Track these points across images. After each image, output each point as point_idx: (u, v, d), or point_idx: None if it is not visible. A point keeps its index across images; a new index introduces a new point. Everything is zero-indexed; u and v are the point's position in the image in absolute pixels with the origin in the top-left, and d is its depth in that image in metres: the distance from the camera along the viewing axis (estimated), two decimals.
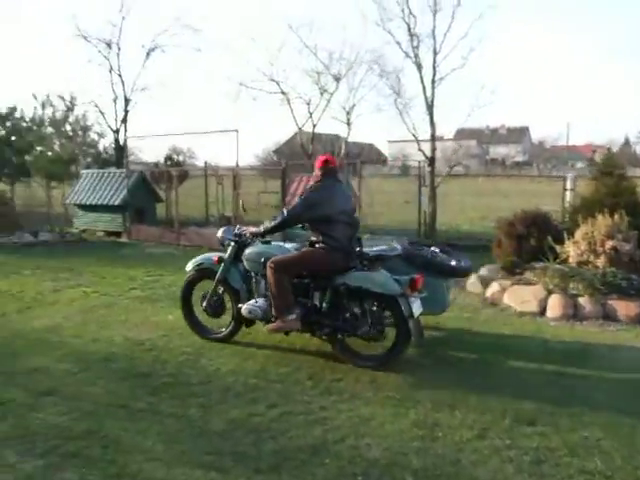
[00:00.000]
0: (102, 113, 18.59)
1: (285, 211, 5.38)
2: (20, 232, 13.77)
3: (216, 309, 6.03)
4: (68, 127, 19.02)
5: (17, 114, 21.59)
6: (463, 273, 6.26)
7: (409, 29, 13.54)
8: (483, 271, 8.93)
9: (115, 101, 18.72)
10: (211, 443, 3.95)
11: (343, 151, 16.48)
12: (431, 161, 13.41)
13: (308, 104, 16.21)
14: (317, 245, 5.26)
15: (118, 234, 13.93)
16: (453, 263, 5.85)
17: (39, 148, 18.72)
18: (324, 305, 5.29)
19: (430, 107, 13.46)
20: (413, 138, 14.03)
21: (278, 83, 16.10)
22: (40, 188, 18.88)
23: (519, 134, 79.89)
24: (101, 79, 24.70)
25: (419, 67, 13.55)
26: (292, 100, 16.12)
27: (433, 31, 13.37)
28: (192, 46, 19.77)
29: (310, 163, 15.59)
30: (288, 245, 5.78)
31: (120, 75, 18.91)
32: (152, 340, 6.15)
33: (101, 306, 7.68)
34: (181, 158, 21.93)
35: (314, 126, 16.43)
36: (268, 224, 5.47)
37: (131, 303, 7.85)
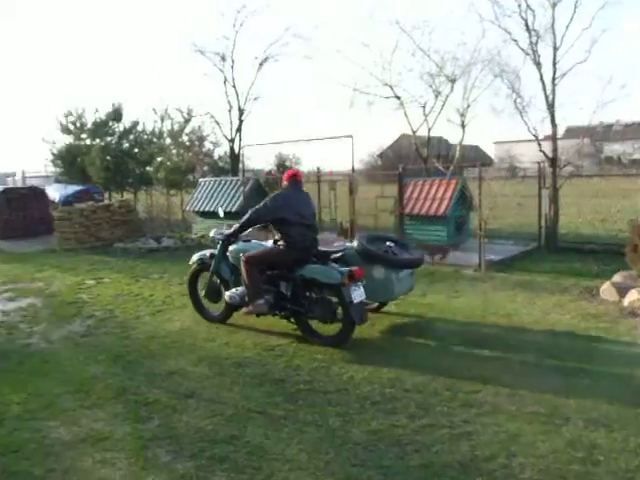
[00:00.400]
0: (218, 123, 19.23)
1: (250, 212, 6.43)
2: (144, 238, 14.47)
3: (213, 295, 7.15)
4: (185, 138, 19.80)
5: (139, 127, 22.89)
6: (414, 265, 6.98)
7: (527, 25, 12.96)
8: (617, 278, 8.32)
9: (230, 111, 19.31)
10: (355, 454, 3.87)
11: (458, 154, 16.03)
12: (553, 162, 12.76)
13: (423, 107, 15.92)
14: (278, 243, 6.38)
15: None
16: (405, 256, 6.80)
17: (159, 159, 19.63)
18: (288, 293, 6.31)
19: (551, 106, 12.81)
20: (520, 139, 13.41)
21: (392, 87, 15.91)
22: (161, 196, 19.84)
23: (637, 130, 74.87)
24: (216, 91, 25.62)
25: (538, 65, 12.94)
26: (407, 104, 15.87)
27: (552, 25, 12.72)
28: (303, 54, 19.76)
29: (424, 167, 15.36)
30: (265, 243, 6.88)
31: (234, 86, 19.49)
32: (282, 346, 6.18)
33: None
34: (291, 165, 22.25)
35: (429, 130, 16.11)
36: (237, 225, 6.60)
37: None
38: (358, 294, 5.92)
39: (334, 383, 5.12)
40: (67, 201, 18.93)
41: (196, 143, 18.81)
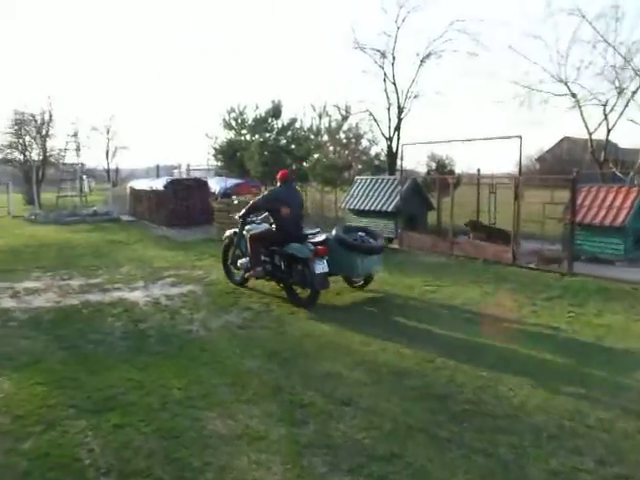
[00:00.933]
0: (376, 121, 19.03)
1: (251, 202, 8.75)
2: None
3: (236, 263, 9.07)
4: (342, 135, 19.86)
5: (297, 124, 23.40)
6: (375, 251, 8.52)
7: None
8: None
9: (389, 109, 19.04)
10: None
11: None
12: None
13: (604, 106, 14.58)
14: (272, 226, 8.51)
15: (389, 240, 14.03)
16: (372, 244, 8.56)
17: (316, 155, 19.87)
18: (280, 264, 8.22)
19: None
20: None
21: (567, 84, 14.75)
22: (315, 192, 20.08)
23: None
24: (375, 88, 25.43)
25: None
26: (584, 102, 14.63)
27: None
28: (467, 51, 18.89)
29: (599, 173, 14.06)
30: (266, 225, 8.78)
31: (394, 83, 19.18)
32: (442, 358, 5.77)
33: None
34: (450, 166, 21.55)
35: (608, 131, 14.76)
36: (243, 210, 8.74)
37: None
38: (321, 267, 7.78)
39: (503, 407, 4.64)
40: (226, 193, 19.80)
41: (353, 141, 18.75)
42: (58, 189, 29.16)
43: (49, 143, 34.39)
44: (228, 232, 9.54)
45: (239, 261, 8.94)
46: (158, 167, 38.59)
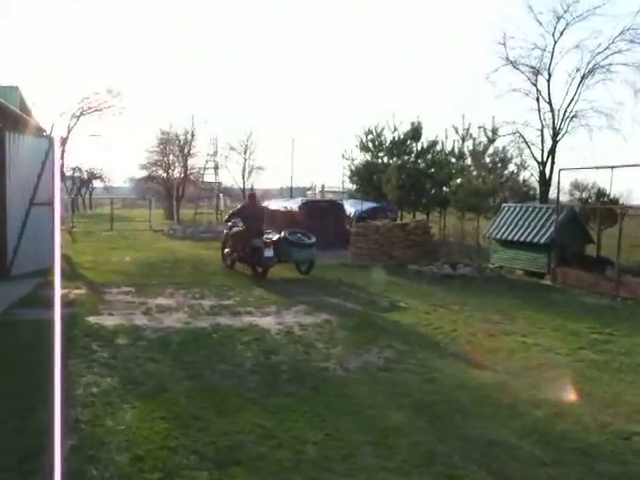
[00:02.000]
0: (527, 144, 17.55)
1: (230, 212, 13.46)
2: (439, 262, 13.60)
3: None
4: (487, 159, 18.58)
5: (438, 147, 22.35)
6: (307, 245, 12.58)
7: None
8: None
9: (541, 131, 17.52)
10: None
11: None
12: None
13: None
14: (243, 228, 12.50)
15: (540, 275, 12.62)
16: (304, 240, 12.67)
17: (458, 180, 18.74)
18: (247, 251, 12.18)
19: None
20: None
21: None
22: (454, 219, 18.95)
23: None
24: (526, 108, 23.73)
25: None
26: None
27: None
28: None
29: None
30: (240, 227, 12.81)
31: (550, 103, 17.64)
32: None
33: (548, 366, 6.39)
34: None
35: None
36: (226, 217, 13.80)
37: (585, 368, 6.35)
38: (268, 253, 11.74)
39: None
40: (361, 217, 19.15)
41: (499, 165, 17.43)
42: (196, 206, 30.16)
43: (190, 161, 35.88)
44: (225, 231, 14.05)
45: (225, 251, 13.40)
46: (292, 188, 39.15)
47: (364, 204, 20.31)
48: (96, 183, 50.28)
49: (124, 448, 4.14)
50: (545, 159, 17.23)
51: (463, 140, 19.85)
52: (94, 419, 4.65)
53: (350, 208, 20.54)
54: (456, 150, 20.20)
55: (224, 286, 10.83)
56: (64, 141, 29.83)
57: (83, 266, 13.14)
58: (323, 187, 32.32)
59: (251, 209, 12.74)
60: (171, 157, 36.00)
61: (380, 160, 24.89)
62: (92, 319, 7.96)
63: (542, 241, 12.59)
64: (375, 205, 20.65)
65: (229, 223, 13.22)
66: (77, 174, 44.19)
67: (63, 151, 30.51)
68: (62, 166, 32.14)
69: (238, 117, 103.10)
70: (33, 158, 11.28)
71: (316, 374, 5.88)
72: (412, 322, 8.23)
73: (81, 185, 47.37)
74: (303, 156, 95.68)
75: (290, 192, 37.30)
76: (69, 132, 35.67)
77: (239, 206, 13.78)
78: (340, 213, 19.03)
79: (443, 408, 5.03)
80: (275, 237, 12.33)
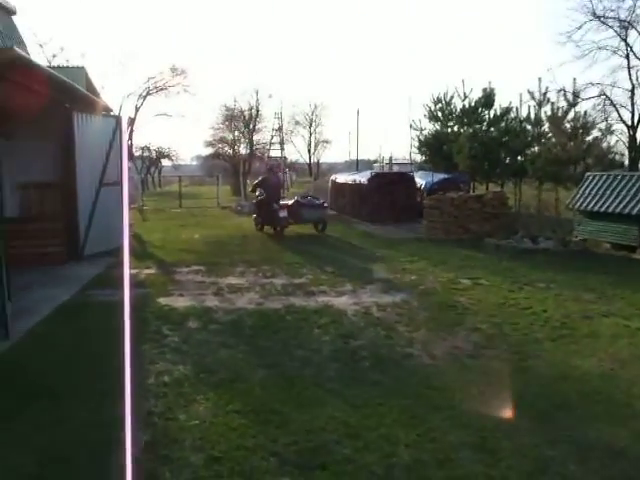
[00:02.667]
0: (615, 107, 16.24)
1: (254, 182, 16.34)
2: (518, 236, 12.81)
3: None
4: (567, 125, 17.38)
5: (512, 114, 21.15)
6: (316, 206, 15.10)
7: None
8: None
9: (632, 91, 16.17)
10: None
11: None
12: None
13: None
14: (264, 196, 14.94)
15: (631, 249, 11.66)
16: (314, 202, 15.34)
17: (535, 148, 17.66)
18: (267, 214, 14.69)
19: None
20: None
21: None
22: (531, 190, 17.96)
23: None
24: (612, 68, 22.04)
25: None
26: None
27: None
28: None
29: None
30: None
31: None
32: None
33: None
34: None
35: None
36: (251, 187, 17.14)
37: None
38: (283, 214, 14.18)
39: None
40: (432, 189, 18.41)
41: (580, 131, 16.25)
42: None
43: (255, 137, 35.70)
44: (253, 200, 16.27)
45: (253, 216, 15.78)
46: (357, 161, 38.46)
47: (435, 175, 19.51)
48: (165, 162, 51.12)
49: (198, 447, 3.83)
50: (636, 122, 15.89)
51: (540, 105, 18.62)
52: (167, 411, 4.39)
53: (420, 180, 19.80)
54: (532, 116, 19.01)
55: (295, 263, 10.49)
56: (132, 121, 30.08)
57: (153, 244, 13.10)
58: (391, 159, 31.46)
59: (270, 180, 15.19)
60: (236, 133, 35.93)
61: (450, 129, 23.91)
62: (162, 300, 7.77)
63: (633, 212, 11.59)
64: (446, 176, 19.80)
65: (255, 193, 15.60)
66: (146, 153, 44.92)
67: (131, 131, 30.80)
68: (131, 146, 32.47)
69: (303, 90, 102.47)
70: (101, 138, 11.18)
71: (400, 361, 5.43)
72: (497, 301, 7.63)
73: (150, 164, 48.15)
74: (369, 128, 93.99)
75: (356, 165, 36.64)
76: (137, 112, 36.09)
77: (261, 178, 15.85)
78: (411, 185, 18.36)
79: (545, 404, 4.48)
80: (290, 202, 14.94)
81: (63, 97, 10.09)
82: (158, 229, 16.21)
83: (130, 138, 30.67)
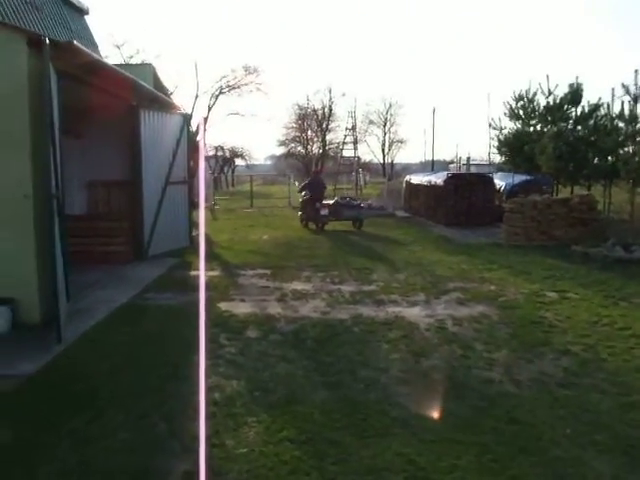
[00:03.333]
0: None
1: (301, 185, 18.38)
2: (608, 244, 11.73)
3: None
4: None
5: (602, 111, 19.78)
6: (354, 206, 16.82)
7: None
8: None
9: None
10: None
11: None
12: None
13: None
14: (309, 196, 16.47)
15: None
16: (352, 202, 17.39)
17: (629, 148, 16.34)
18: (311, 213, 16.29)
19: None
20: None
21: None
22: (622, 193, 16.67)
23: None
24: None
25: None
26: None
27: None
28: None
29: None
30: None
31: None
32: None
33: None
34: None
35: None
36: (299, 189, 18.30)
37: None
38: (324, 212, 15.85)
39: None
40: (512, 191, 17.42)
41: None
42: (335, 181, 29.60)
43: (328, 136, 35.26)
44: (300, 200, 17.35)
45: (299, 213, 17.07)
46: (433, 161, 37.44)
47: (515, 177, 18.45)
48: (238, 161, 51.62)
49: None
50: None
51: (635, 101, 17.24)
52: (213, 436, 3.94)
53: (500, 182, 18.79)
54: (626, 113, 17.62)
55: (365, 269, 9.93)
56: (204, 120, 30.15)
57: (220, 245, 12.85)
58: (468, 159, 30.34)
59: (314, 182, 16.86)
60: (309, 132, 35.66)
61: (532, 128, 22.68)
62: (223, 305, 7.40)
63: None
64: (528, 178, 18.69)
65: (302, 193, 17.13)
66: (220, 153, 45.42)
67: (204, 130, 30.97)
68: (203, 145, 32.62)
69: (377, 88, 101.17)
70: (168, 136, 11.02)
71: (478, 387, 4.78)
72: (588, 319, 6.79)
73: (224, 163, 48.72)
74: (445, 127, 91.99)
75: (431, 165, 35.67)
76: (209, 111, 36.13)
77: (307, 180, 17.87)
78: (489, 187, 17.40)
79: None
80: (331, 202, 16.64)
81: (130, 95, 9.95)
82: (227, 229, 16.03)
83: (203, 137, 30.85)
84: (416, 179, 20.62)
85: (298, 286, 8.57)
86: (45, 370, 5.20)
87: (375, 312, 7.09)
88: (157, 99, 10.66)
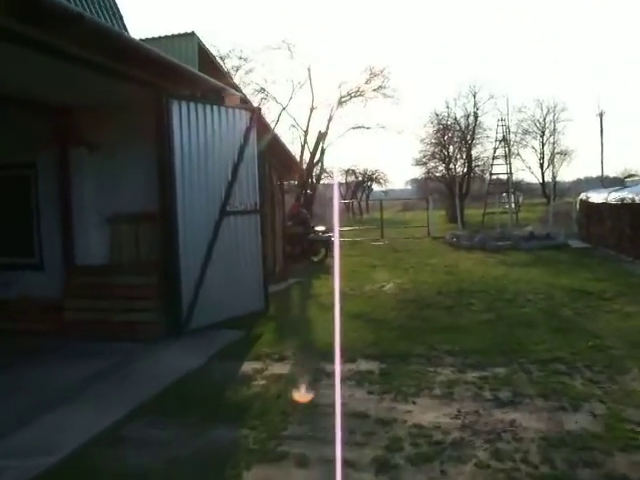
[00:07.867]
0: None
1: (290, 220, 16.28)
2: None
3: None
4: None
5: None
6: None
7: None
8: None
9: None
10: None
11: None
12: None
13: None
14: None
15: None
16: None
17: None
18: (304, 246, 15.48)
19: None
20: None
21: None
22: None
23: None
24: None
25: None
26: None
27: None
28: None
29: None
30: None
31: None
32: None
33: None
34: None
35: None
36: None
37: None
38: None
39: None
40: None
41: None
42: (484, 204, 24.64)
43: (474, 151, 30.07)
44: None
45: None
46: (602, 176, 31.07)
47: None
48: (375, 186, 47.48)
49: None
50: None
51: None
52: None
53: None
54: None
55: (555, 361, 5.32)
56: (323, 135, 25.62)
57: (317, 302, 8.78)
58: None
59: (296, 217, 16.13)
60: (451, 148, 30.66)
61: None
62: (258, 472, 3.25)
63: None
64: None
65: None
66: (351, 178, 41.47)
67: (323, 149, 26.40)
68: (318, 164, 27.33)
69: (532, 90, 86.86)
70: (225, 141, 7.12)
71: None
72: None
73: (356, 188, 44.71)
74: (614, 136, 78.18)
75: (601, 180, 29.39)
76: (328, 124, 29.06)
77: (292, 214, 16.43)
78: None
79: None
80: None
81: (158, 80, 6.28)
82: (340, 271, 11.89)
83: (321, 155, 25.73)
84: (598, 197, 15.30)
85: (427, 413, 4.19)
86: None
87: None
88: (199, 82, 6.85)
